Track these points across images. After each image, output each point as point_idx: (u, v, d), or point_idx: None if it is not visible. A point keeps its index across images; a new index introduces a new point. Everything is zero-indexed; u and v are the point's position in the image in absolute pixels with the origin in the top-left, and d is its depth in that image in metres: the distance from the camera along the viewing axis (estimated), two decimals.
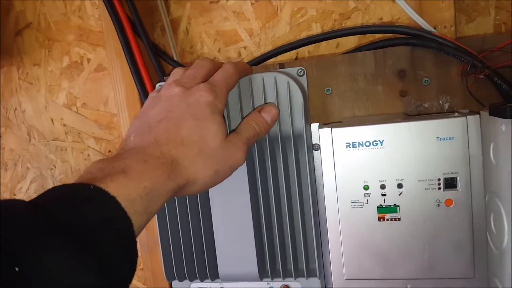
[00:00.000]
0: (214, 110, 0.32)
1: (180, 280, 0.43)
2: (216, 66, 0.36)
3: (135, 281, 0.61)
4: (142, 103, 0.48)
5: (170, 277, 0.43)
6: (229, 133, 0.34)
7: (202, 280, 0.42)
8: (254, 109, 0.38)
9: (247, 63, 0.48)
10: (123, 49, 0.46)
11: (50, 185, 0.60)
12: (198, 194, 0.41)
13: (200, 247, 0.42)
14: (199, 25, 0.52)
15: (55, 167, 0.60)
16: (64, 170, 0.60)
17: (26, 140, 0.61)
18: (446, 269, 0.35)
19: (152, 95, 0.35)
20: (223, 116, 0.33)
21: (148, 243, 0.51)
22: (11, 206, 0.21)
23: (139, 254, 0.59)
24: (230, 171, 0.33)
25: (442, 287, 0.36)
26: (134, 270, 0.24)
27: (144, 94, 0.46)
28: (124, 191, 0.24)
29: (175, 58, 0.52)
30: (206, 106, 0.31)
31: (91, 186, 0.23)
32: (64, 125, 0.59)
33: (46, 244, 0.20)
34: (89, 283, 0.20)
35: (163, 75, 0.48)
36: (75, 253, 0.20)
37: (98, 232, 0.22)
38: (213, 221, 0.41)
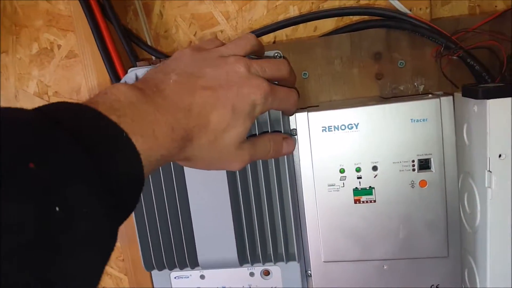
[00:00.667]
0: (252, 113, 0.30)
1: (159, 269, 0.42)
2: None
3: (116, 272, 0.60)
4: None
5: (149, 267, 0.42)
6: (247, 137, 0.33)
7: (181, 268, 0.42)
8: (280, 132, 0.37)
9: None
10: (93, 34, 0.44)
11: None
12: (174, 182, 0.40)
13: (178, 235, 0.41)
14: (174, 8, 0.51)
15: None
16: None
17: None
18: (421, 249, 0.36)
19: (220, 48, 0.33)
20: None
21: (127, 232, 0.50)
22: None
23: (119, 245, 0.59)
24: (222, 168, 0.33)
25: (417, 267, 0.36)
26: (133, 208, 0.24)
27: (116, 80, 0.45)
28: (148, 152, 0.24)
29: (148, 43, 0.50)
30: (251, 104, 0.30)
31: (124, 133, 0.22)
32: None
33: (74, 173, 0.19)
34: (103, 211, 0.20)
35: (135, 60, 0.46)
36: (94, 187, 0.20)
37: (118, 183, 0.22)
38: (190, 209, 0.40)
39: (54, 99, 0.56)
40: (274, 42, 0.49)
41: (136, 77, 0.40)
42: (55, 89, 0.55)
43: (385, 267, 0.37)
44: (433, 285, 0.37)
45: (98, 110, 0.23)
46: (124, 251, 0.52)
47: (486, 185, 0.33)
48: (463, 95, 0.37)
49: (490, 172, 0.33)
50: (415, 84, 0.40)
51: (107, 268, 0.60)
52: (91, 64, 0.47)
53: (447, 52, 0.37)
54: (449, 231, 0.36)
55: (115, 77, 0.45)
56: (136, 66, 0.45)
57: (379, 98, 0.40)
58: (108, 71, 0.45)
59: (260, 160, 0.40)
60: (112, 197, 0.21)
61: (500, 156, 0.33)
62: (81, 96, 0.55)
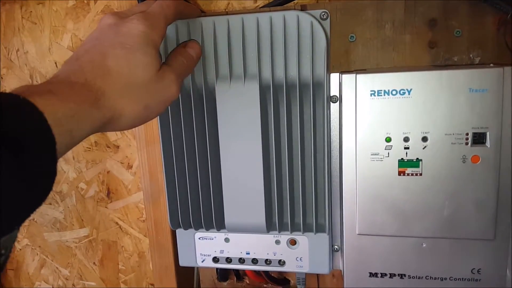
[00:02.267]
0: (147, 41, 0.30)
1: (185, 228, 0.42)
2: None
3: (136, 233, 0.60)
4: None
5: (175, 225, 0.42)
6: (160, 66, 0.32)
7: (207, 229, 0.41)
8: (179, 45, 0.37)
9: (264, 6, 0.45)
10: None
11: None
12: (207, 143, 0.39)
13: (207, 195, 0.40)
14: None
15: None
16: None
17: (28, 83, 0.58)
18: (465, 229, 0.34)
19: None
20: (159, 51, 0.31)
21: (152, 192, 0.49)
22: None
23: (142, 206, 0.58)
24: (163, 106, 0.32)
25: (459, 248, 0.34)
26: (50, 189, 0.23)
27: None
28: (52, 108, 0.23)
29: None
30: (138, 36, 0.29)
31: (20, 97, 0.22)
32: None
33: None
34: (11, 189, 0.20)
35: None
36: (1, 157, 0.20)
37: (23, 142, 0.21)
38: (222, 170, 0.39)
39: None
40: (317, 2, 0.46)
41: (176, 28, 0.38)
42: None
43: (424, 245, 0.35)
44: (474, 268, 0.34)
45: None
46: (147, 212, 0.52)
47: None
48: None
49: None
50: (471, 55, 0.37)
51: (127, 228, 0.60)
52: None
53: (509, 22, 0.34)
54: (499, 213, 0.33)
55: None
56: None
57: (432, 67, 0.37)
58: None
59: (298, 124, 0.38)
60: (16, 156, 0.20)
61: None
62: None
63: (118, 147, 0.58)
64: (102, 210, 0.60)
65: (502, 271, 0.34)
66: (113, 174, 0.59)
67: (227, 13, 0.40)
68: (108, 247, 0.62)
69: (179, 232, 0.43)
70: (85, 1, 0.53)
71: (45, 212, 0.63)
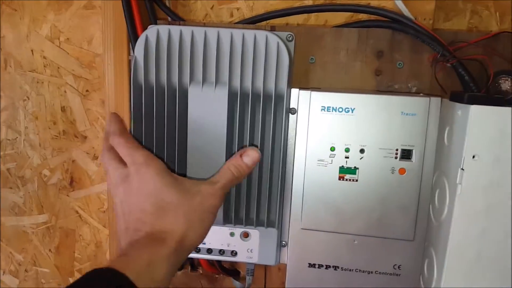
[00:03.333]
0: (214, 214, 0.37)
1: None
2: None
3: (95, 223, 0.62)
4: (129, 45, 0.49)
5: None
6: (206, 180, 0.37)
7: None
8: (237, 152, 0.42)
9: (238, 22, 0.50)
10: None
11: (21, 116, 0.60)
12: (176, 140, 0.43)
13: None
14: None
15: (28, 98, 0.60)
16: (38, 103, 0.60)
17: (1, 67, 0.59)
18: (390, 230, 0.40)
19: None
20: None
21: None
22: None
23: (105, 197, 0.61)
24: (214, 213, 0.36)
25: (384, 246, 0.40)
26: None
27: (134, 35, 0.47)
28: (129, 266, 0.29)
29: (167, 5, 0.52)
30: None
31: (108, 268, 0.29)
32: (44, 57, 0.58)
33: None
34: None
35: (155, 19, 0.49)
36: None
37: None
38: (187, 166, 0.43)
39: (64, 46, 0.57)
40: (286, 24, 0.51)
41: (158, 33, 0.42)
42: (68, 36, 0.57)
43: (355, 242, 0.41)
44: (395, 265, 0.40)
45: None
46: (109, 203, 0.54)
47: (457, 182, 0.37)
48: (451, 99, 0.41)
49: (463, 170, 0.37)
50: (409, 85, 0.44)
51: (87, 218, 0.62)
52: (111, 17, 0.49)
53: (442, 59, 0.41)
54: (418, 218, 0.40)
55: (134, 33, 0.47)
56: (155, 24, 0.47)
57: (376, 91, 0.43)
58: (127, 26, 0.47)
59: (259, 131, 0.43)
60: None
61: (473, 156, 0.37)
62: (92, 47, 0.57)
63: (85, 137, 0.60)
64: (63, 198, 0.62)
65: (418, 268, 0.40)
66: (78, 163, 0.61)
67: (204, 24, 0.45)
68: (66, 235, 0.63)
69: None
70: None
71: (5, 196, 0.63)
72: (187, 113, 0.42)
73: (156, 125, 0.43)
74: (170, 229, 0.33)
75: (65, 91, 0.59)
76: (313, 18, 0.51)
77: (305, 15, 0.50)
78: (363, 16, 0.49)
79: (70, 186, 0.62)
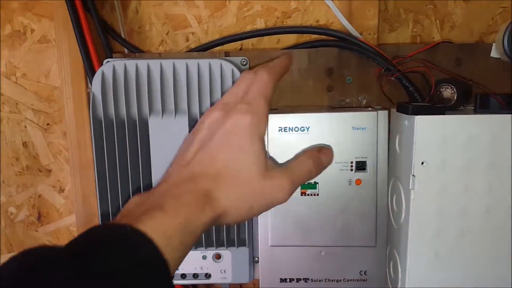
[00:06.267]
0: (252, 135, 0.30)
1: None
2: (256, 75, 0.34)
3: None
4: (87, 78, 0.49)
5: None
6: (277, 165, 0.33)
7: None
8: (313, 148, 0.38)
9: (195, 47, 0.51)
10: (72, 22, 0.47)
11: None
12: (140, 170, 0.43)
13: None
14: (149, 6, 0.54)
15: None
16: None
17: None
18: (353, 239, 0.42)
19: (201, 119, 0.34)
20: (263, 141, 0.31)
21: (85, 215, 0.52)
22: (44, 253, 0.21)
23: (74, 229, 0.60)
24: (266, 208, 0.31)
25: (349, 254, 0.42)
26: None
27: (90, 69, 0.47)
28: (162, 228, 0.24)
29: (123, 37, 0.53)
30: (244, 130, 0.30)
31: (128, 228, 0.23)
32: (2, 94, 0.57)
33: None
34: None
35: (110, 52, 0.49)
36: None
37: (134, 278, 0.22)
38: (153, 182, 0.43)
39: (21, 81, 0.57)
40: (240, 49, 0.54)
41: (114, 69, 0.42)
42: (24, 71, 0.57)
43: (322, 253, 0.42)
44: (361, 270, 0.43)
45: (114, 223, 0.24)
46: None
47: (410, 187, 0.40)
48: (397, 111, 0.44)
49: (414, 176, 0.40)
50: (359, 98, 0.47)
51: None
52: (66, 50, 0.49)
53: (387, 73, 0.44)
54: (378, 224, 0.42)
55: (90, 67, 0.48)
56: (111, 57, 0.48)
57: (328, 107, 0.46)
58: (83, 60, 0.47)
59: None
60: None
61: (422, 163, 0.39)
62: (50, 80, 0.57)
63: (50, 171, 0.59)
64: (32, 234, 0.61)
65: (382, 272, 0.43)
66: (44, 197, 0.60)
67: (160, 55, 0.46)
68: None
69: None
70: (21, 30, 0.56)
71: None
72: (149, 143, 0.43)
73: (119, 157, 0.43)
74: (221, 198, 0.28)
75: (25, 126, 0.58)
76: (266, 38, 0.53)
77: None
78: (313, 36, 0.51)
79: (39, 221, 0.61)
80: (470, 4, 0.52)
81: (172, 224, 0.25)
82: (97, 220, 0.48)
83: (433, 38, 0.53)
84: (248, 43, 0.54)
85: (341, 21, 0.47)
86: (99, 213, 0.44)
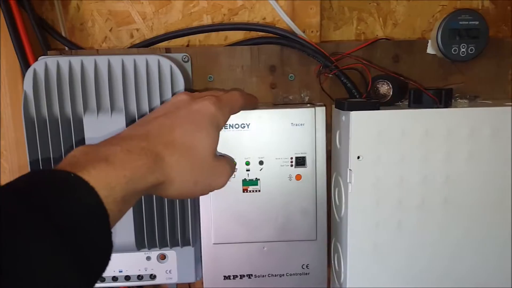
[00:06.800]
0: (213, 123, 0.32)
1: None
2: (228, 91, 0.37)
3: None
4: (23, 77, 0.47)
5: None
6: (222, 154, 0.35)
7: None
8: None
9: (138, 44, 0.50)
10: (5, 19, 0.45)
11: None
12: None
13: None
14: (91, 2, 0.52)
15: None
16: None
17: None
18: (295, 233, 0.43)
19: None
20: (219, 133, 0.33)
21: None
22: None
23: None
24: (207, 189, 0.34)
25: (291, 248, 0.43)
26: (107, 263, 0.24)
27: (26, 67, 0.46)
28: (105, 179, 0.24)
29: (63, 34, 0.51)
30: (207, 116, 0.32)
31: (72, 175, 0.23)
32: None
33: (26, 233, 0.20)
34: (67, 278, 0.20)
35: (47, 49, 0.47)
36: (54, 245, 0.20)
37: (76, 224, 0.22)
38: None
39: None
40: (187, 45, 0.53)
41: (46, 66, 0.41)
42: None
43: (265, 248, 0.43)
44: (303, 264, 0.43)
45: (57, 169, 0.24)
46: None
47: (348, 181, 0.41)
48: (336, 107, 0.45)
49: (351, 170, 0.41)
50: (302, 95, 0.47)
51: None
52: (1, 48, 0.47)
53: (325, 70, 0.44)
54: (318, 218, 0.43)
55: (25, 64, 0.46)
56: (47, 55, 0.46)
57: (272, 104, 0.46)
58: (18, 58, 0.46)
59: None
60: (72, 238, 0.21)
61: (358, 157, 0.40)
62: None
63: None
64: None
65: (323, 264, 0.43)
66: None
67: (98, 52, 0.45)
68: None
69: None
70: None
71: None
72: (85, 143, 0.41)
73: (54, 158, 0.42)
74: (172, 164, 0.29)
75: None
76: (214, 35, 0.53)
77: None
78: (258, 33, 0.51)
79: None
80: (411, 2, 0.53)
81: (116, 177, 0.25)
82: None
83: (377, 35, 0.55)
84: (195, 39, 0.53)
85: (283, 19, 0.48)
86: None
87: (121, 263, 0.45)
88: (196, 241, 0.46)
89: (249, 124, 0.41)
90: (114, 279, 0.45)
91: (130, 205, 0.27)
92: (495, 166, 0.40)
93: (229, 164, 0.35)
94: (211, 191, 0.34)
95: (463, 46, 0.46)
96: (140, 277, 0.46)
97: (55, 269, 0.20)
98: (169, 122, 0.31)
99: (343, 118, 0.41)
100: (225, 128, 0.41)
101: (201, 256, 0.46)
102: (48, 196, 0.22)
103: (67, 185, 0.22)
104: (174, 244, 0.45)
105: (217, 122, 0.33)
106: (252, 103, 0.41)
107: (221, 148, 0.41)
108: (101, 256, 0.24)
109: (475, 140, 0.40)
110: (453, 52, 0.46)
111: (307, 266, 0.43)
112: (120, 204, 0.25)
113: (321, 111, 0.41)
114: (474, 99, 0.47)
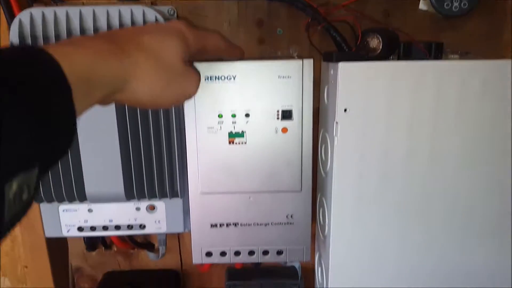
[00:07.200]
0: (179, 36, 0.32)
1: (48, 201, 0.45)
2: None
3: None
4: (9, 30, 0.47)
5: (37, 199, 0.44)
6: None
7: (70, 201, 0.45)
8: None
9: None
10: None
11: None
12: None
13: (66, 168, 0.44)
14: None
15: None
16: None
17: None
18: (280, 184, 0.44)
19: None
20: (188, 53, 0.33)
21: None
22: None
23: None
24: (177, 98, 0.35)
25: (276, 199, 0.44)
26: (71, 139, 0.24)
27: (10, 19, 0.45)
28: (70, 56, 0.24)
29: None
30: (175, 29, 0.33)
31: (35, 48, 0.23)
32: None
33: None
34: (26, 145, 0.20)
35: (32, 1, 0.47)
36: (14, 113, 0.19)
37: (39, 94, 0.21)
38: (79, 143, 0.43)
39: None
40: None
41: (31, 16, 0.41)
42: None
43: (250, 199, 0.44)
44: (288, 214, 0.45)
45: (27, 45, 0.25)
46: None
47: (334, 134, 0.42)
48: (324, 60, 0.45)
49: (337, 123, 0.41)
50: (291, 50, 0.47)
51: None
52: None
53: (313, 23, 0.44)
54: (303, 170, 0.44)
55: (11, 16, 0.45)
56: (32, 6, 0.46)
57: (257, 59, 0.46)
58: (3, 9, 0.45)
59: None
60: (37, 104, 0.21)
61: (345, 110, 0.41)
62: None
63: None
64: None
65: (308, 215, 0.45)
66: None
67: (83, 4, 0.44)
68: None
69: (43, 206, 0.46)
70: None
71: None
72: None
73: None
74: (140, 60, 0.29)
75: None
76: None
77: None
78: None
79: None
80: None
81: (80, 55, 0.25)
82: None
83: None
84: None
85: None
86: None
87: (111, 212, 0.46)
88: (184, 193, 0.47)
89: (235, 76, 0.41)
90: (105, 228, 0.47)
91: (97, 95, 0.26)
92: (483, 120, 0.40)
93: (197, 71, 0.38)
94: (184, 98, 0.36)
95: (456, 0, 0.46)
96: (130, 227, 0.47)
97: (14, 136, 0.19)
98: (137, 30, 0.33)
99: (331, 71, 0.42)
100: (210, 80, 0.41)
101: (188, 208, 0.47)
102: (13, 68, 0.21)
103: (33, 58, 0.22)
104: (163, 195, 0.46)
105: (184, 38, 0.33)
106: (236, 52, 0.41)
107: (206, 100, 0.42)
108: (64, 128, 0.23)
109: (465, 94, 0.40)
110: (446, 7, 0.46)
111: (291, 216, 0.45)
112: (85, 85, 0.24)
113: (308, 63, 0.41)
114: (465, 54, 0.47)
